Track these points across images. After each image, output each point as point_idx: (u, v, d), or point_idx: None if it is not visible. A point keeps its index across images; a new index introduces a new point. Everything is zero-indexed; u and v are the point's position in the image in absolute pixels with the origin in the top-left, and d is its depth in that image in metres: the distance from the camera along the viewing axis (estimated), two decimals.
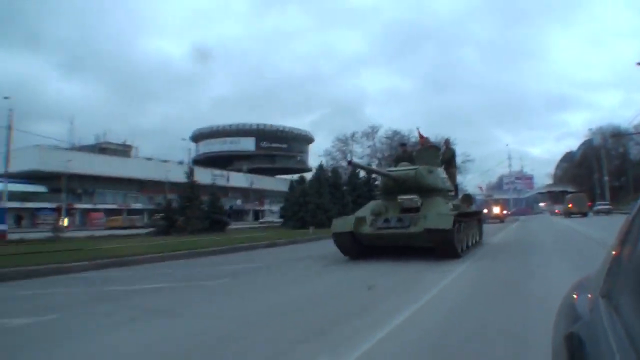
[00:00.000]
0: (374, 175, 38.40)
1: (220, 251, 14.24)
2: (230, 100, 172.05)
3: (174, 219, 27.08)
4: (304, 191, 33.27)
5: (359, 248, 11.33)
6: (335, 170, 40.86)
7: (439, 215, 10.21)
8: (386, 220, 10.85)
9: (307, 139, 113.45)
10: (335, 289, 7.10)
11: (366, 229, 10.95)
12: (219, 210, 30.66)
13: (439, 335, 4.14)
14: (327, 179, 35.98)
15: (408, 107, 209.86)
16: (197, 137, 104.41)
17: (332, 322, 4.73)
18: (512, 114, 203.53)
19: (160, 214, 28.34)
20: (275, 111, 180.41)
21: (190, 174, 28.75)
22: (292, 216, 32.93)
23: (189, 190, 28.19)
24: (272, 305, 5.72)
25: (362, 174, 40.82)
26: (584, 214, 43.97)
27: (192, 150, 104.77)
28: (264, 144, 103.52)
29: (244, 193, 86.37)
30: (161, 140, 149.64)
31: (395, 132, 59.07)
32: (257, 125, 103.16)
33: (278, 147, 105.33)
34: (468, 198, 14.89)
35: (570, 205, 46.32)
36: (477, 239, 14.09)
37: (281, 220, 37.61)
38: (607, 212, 45.12)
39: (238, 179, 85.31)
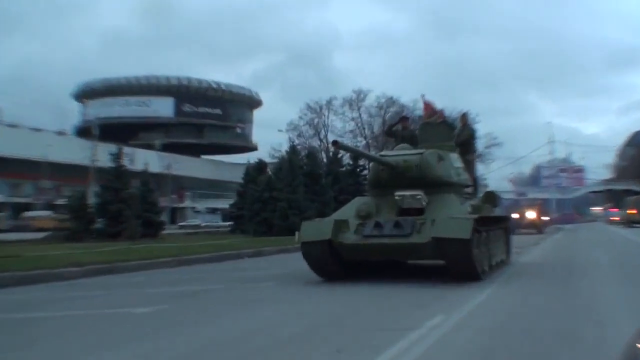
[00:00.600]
0: (361, 162, 39.17)
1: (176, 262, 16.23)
2: (131, 38, 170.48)
3: (90, 218, 28.11)
4: (269, 183, 33.95)
5: (338, 265, 11.92)
6: (312, 155, 41.29)
7: (452, 219, 10.84)
8: (378, 226, 11.44)
9: (250, 102, 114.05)
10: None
11: (350, 237, 11.52)
12: (152, 208, 31.45)
13: None
14: (301, 166, 36.58)
15: (401, 59, 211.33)
16: (85, 94, 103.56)
17: None
18: (556, 73, 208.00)
19: (64, 214, 29.62)
20: (200, 58, 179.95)
21: (118, 155, 29.80)
22: (251, 218, 33.51)
23: (116, 178, 29.07)
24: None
25: (346, 159, 41.56)
26: None
27: (78, 113, 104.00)
28: (188, 108, 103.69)
29: (157, 181, 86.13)
30: (23, 96, 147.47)
31: (391, 100, 60.11)
32: (178, 79, 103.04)
33: (208, 114, 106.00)
34: (492, 197, 15.51)
35: (633, 211, 49.51)
36: (504, 256, 14.84)
37: (230, 223, 38.30)
38: None
39: (148, 160, 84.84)
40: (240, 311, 8.67)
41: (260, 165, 40.08)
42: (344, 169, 41.57)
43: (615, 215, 64.78)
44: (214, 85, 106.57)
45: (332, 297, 10.03)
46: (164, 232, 32.61)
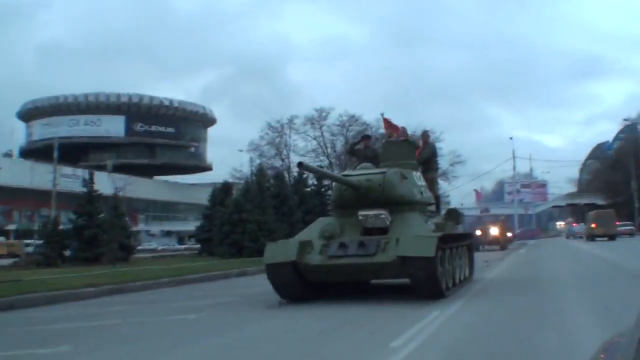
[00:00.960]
0: (326, 182, 40.22)
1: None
2: (72, 51, 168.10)
3: (63, 244, 30.01)
4: (238, 205, 35.23)
5: (303, 286, 12.65)
6: (279, 176, 43.56)
7: (416, 238, 11.70)
8: (342, 246, 12.10)
9: (204, 120, 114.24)
10: None
11: (314, 258, 12.17)
12: (123, 232, 33.46)
13: None
14: (268, 187, 38.33)
15: (359, 71, 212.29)
16: (29, 113, 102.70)
17: None
18: (518, 84, 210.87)
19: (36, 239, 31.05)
20: (146, 73, 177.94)
21: (90, 179, 31.93)
22: (221, 240, 34.77)
23: (88, 203, 30.75)
24: None
25: (311, 179, 42.53)
26: (612, 237, 50.45)
27: (22, 133, 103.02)
28: (140, 127, 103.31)
29: (107, 204, 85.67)
30: None
31: (353, 119, 61.10)
32: (129, 97, 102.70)
33: (160, 132, 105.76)
34: (454, 214, 16.23)
35: (593, 225, 53.13)
36: (466, 273, 15.72)
37: (187, 246, 39.43)
38: (631, 234, 53.23)
39: (99, 181, 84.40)
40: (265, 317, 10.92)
41: (226, 186, 42.00)
42: (309, 189, 43.07)
43: (578, 229, 68.73)
44: (167, 103, 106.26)
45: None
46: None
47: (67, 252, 30.50)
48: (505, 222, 55.56)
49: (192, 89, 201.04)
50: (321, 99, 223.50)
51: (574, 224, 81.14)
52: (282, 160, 61.83)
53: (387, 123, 18.74)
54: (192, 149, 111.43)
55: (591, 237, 52.02)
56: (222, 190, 40.91)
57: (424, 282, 11.58)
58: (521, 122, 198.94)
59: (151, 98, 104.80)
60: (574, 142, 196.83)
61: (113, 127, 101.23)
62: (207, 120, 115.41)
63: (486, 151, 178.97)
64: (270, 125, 61.85)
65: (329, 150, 61.55)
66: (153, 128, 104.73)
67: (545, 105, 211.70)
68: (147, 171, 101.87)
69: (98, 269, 22.27)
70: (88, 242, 29.64)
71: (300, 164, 14.78)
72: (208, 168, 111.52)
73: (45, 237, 30.78)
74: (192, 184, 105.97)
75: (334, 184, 15.36)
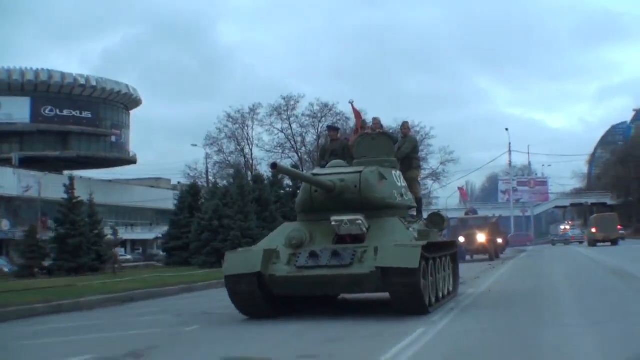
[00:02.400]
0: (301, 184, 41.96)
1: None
2: None
3: (44, 253, 34.92)
4: (217, 210, 38.11)
5: (267, 301, 13.08)
6: (259, 178, 45.83)
7: (398, 247, 12.17)
8: (313, 256, 12.61)
9: (128, 102, 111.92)
10: None
11: (282, 269, 12.71)
12: (100, 241, 37.49)
13: None
14: (249, 192, 40.51)
15: (309, 31, 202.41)
16: None
17: None
18: (512, 50, 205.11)
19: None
20: (29, 37, 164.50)
21: (70, 185, 35.89)
22: (199, 249, 37.29)
23: (70, 210, 35.13)
24: None
25: (286, 181, 43.46)
26: (614, 242, 56.92)
27: None
28: (49, 112, 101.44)
29: (9, 207, 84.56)
30: None
31: (326, 107, 61.60)
32: (35, 73, 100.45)
33: (75, 118, 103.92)
34: (438, 219, 16.41)
35: (594, 230, 59.12)
36: (450, 287, 16.14)
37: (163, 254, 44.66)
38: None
39: (3, 179, 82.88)
40: None
41: (195, 190, 45.69)
42: (283, 192, 45.15)
43: (573, 234, 77.81)
44: (82, 82, 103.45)
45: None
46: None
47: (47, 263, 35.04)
48: (497, 225, 54.05)
49: (89, 55, 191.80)
50: (260, 69, 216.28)
51: (567, 228, 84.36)
52: (244, 157, 63.70)
53: (357, 113, 19.19)
54: (114, 138, 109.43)
55: (592, 242, 57.26)
56: (191, 194, 44.35)
57: (405, 297, 12.10)
58: (518, 97, 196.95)
59: (63, 75, 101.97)
60: (583, 122, 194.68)
61: (16, 111, 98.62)
62: (131, 102, 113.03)
63: (475, 134, 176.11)
64: (230, 115, 63.54)
65: (299, 144, 63.02)
66: (65, 112, 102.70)
67: (547, 77, 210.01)
68: (57, 166, 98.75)
69: (91, 279, 26.85)
70: (70, 252, 34.08)
71: (274, 165, 14.62)
72: (132, 161, 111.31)
73: (26, 247, 34.99)
74: (116, 181, 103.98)
75: (302, 184, 15.64)
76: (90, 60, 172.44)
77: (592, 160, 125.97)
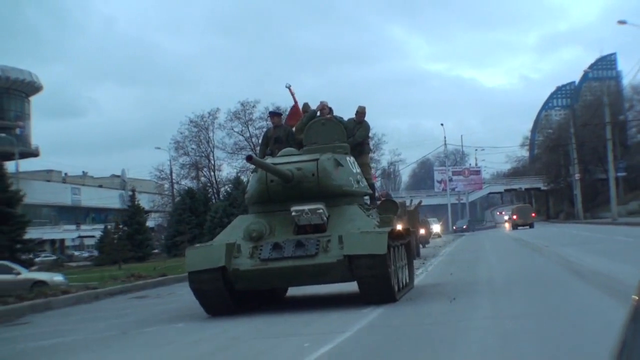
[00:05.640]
0: None
1: None
2: None
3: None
4: (226, 210, 48.62)
5: (231, 297, 12.99)
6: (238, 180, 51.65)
7: (364, 234, 12.25)
8: (277, 247, 12.61)
9: (29, 90, 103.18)
10: None
11: (245, 262, 12.63)
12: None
13: None
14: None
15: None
16: None
17: None
18: None
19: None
20: None
21: (132, 195, 45.25)
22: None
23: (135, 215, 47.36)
24: None
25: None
26: (530, 225, 75.90)
27: None
28: None
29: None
30: None
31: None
32: None
33: None
34: (391, 206, 16.35)
35: (515, 217, 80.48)
36: (407, 278, 15.85)
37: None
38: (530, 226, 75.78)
39: None
40: None
41: (192, 193, 56.25)
42: None
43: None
44: None
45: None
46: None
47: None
48: (417, 213, 40.46)
49: None
50: (121, 22, 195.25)
51: (503, 212, 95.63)
52: (208, 159, 68.53)
53: (293, 95, 18.11)
54: (18, 131, 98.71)
55: (515, 226, 76.72)
56: (189, 196, 56.75)
57: (374, 284, 12.15)
58: (440, 50, 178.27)
59: None
60: (524, 79, 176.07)
61: None
62: (32, 89, 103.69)
63: (392, 96, 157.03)
64: (190, 120, 67.74)
65: (257, 148, 64.31)
66: None
67: (475, 24, 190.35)
68: None
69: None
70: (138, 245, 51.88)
71: (250, 157, 14.34)
72: (34, 154, 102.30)
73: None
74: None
75: (252, 175, 15.54)
76: None
77: (531, 146, 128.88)
